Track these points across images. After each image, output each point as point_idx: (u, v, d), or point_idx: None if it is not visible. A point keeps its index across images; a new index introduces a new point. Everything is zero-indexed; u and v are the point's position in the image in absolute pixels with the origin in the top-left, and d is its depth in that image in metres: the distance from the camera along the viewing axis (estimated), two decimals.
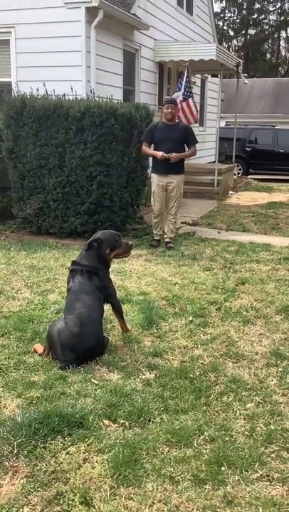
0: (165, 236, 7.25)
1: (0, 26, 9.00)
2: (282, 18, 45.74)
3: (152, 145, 7.08)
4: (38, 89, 7.84)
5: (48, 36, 8.65)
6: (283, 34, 47.26)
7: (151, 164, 7.26)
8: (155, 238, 7.28)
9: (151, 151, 7.04)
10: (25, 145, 7.48)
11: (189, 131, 7.17)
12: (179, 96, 10.85)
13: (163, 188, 7.03)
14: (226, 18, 47.75)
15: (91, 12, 8.39)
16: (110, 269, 4.09)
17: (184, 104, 10.68)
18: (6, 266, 5.97)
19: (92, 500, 2.32)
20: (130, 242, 4.14)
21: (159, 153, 6.82)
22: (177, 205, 7.20)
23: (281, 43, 48.00)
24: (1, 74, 9.30)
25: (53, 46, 8.61)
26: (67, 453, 2.63)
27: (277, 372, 3.59)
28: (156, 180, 7.05)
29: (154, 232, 7.31)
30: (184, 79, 10.98)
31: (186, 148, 7.13)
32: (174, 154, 6.79)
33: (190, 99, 10.78)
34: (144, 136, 7.17)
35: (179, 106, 10.94)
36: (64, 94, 7.60)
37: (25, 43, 8.89)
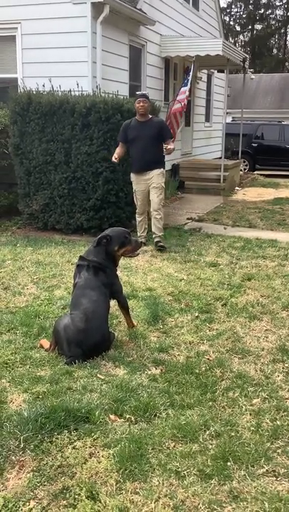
0: (154, 236, 6.85)
1: (6, 22, 9.00)
2: (288, 13, 45.51)
3: (132, 144, 6.71)
4: (44, 85, 7.84)
5: (54, 32, 8.63)
6: None
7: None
8: (140, 240, 6.89)
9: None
10: (31, 141, 7.49)
11: (163, 126, 6.89)
12: (185, 91, 10.86)
13: (143, 186, 6.80)
14: (233, 13, 47.63)
15: (97, 7, 8.36)
16: None
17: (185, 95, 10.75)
18: (13, 262, 5.99)
19: (98, 494, 2.33)
20: (140, 240, 4.12)
21: (113, 158, 6.63)
22: (159, 199, 6.75)
23: (288, 38, 47.76)
24: (7, 70, 9.30)
25: (59, 42, 8.60)
26: (74, 447, 2.64)
27: (283, 368, 3.59)
28: (135, 179, 6.86)
29: (139, 233, 6.97)
30: (190, 74, 10.98)
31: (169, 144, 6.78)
32: (169, 146, 6.61)
33: (186, 87, 10.85)
34: (118, 136, 6.80)
35: (186, 101, 10.97)
36: (70, 90, 7.60)
37: (31, 38, 8.88)
